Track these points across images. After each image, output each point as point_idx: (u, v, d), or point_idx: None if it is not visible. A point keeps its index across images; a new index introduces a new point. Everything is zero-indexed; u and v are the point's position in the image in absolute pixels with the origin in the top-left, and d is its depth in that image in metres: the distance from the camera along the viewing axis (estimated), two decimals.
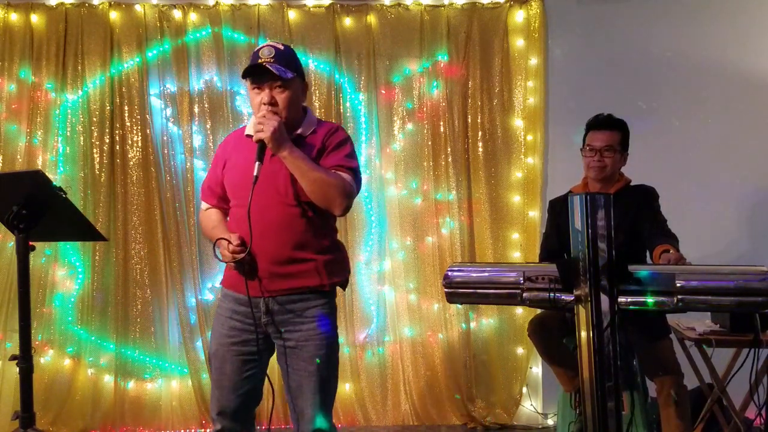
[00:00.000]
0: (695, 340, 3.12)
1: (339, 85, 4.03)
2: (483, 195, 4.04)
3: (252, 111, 2.29)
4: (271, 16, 4.01)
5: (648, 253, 2.87)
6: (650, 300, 1.60)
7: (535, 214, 4.01)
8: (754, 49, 4.00)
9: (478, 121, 4.03)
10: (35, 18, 3.95)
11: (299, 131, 2.27)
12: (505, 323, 4.03)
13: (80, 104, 3.95)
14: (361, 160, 4.04)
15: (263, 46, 2.24)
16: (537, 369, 4.04)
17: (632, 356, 2.90)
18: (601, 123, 3.01)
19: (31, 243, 2.31)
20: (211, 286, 3.96)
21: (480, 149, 4.04)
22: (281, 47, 2.25)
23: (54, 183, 2.36)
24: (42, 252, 3.86)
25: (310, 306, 2.23)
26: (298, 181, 2.17)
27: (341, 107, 4.03)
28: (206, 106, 3.99)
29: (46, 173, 2.54)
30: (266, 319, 2.22)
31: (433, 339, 4.03)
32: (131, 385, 3.94)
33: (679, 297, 1.55)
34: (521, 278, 1.70)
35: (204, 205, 2.42)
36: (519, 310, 3.98)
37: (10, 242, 3.79)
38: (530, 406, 4.04)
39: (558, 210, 3.12)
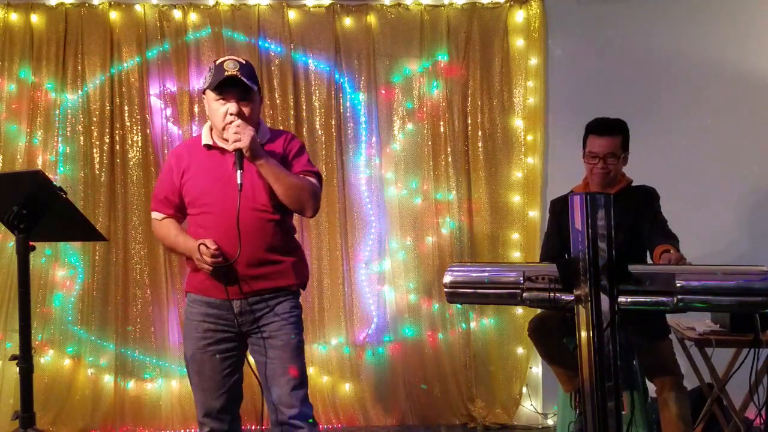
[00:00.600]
0: (695, 340, 3.12)
1: (339, 85, 4.03)
2: (483, 195, 4.04)
3: (213, 122, 2.39)
4: (271, 16, 4.01)
5: (648, 253, 2.87)
6: (650, 300, 1.60)
7: (535, 214, 4.01)
8: (754, 49, 4.00)
9: (478, 121, 4.03)
10: (35, 18, 3.95)
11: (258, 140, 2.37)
12: (505, 323, 4.03)
13: (80, 104, 3.95)
14: (361, 160, 4.05)
15: (226, 60, 2.36)
16: (537, 369, 4.05)
17: (632, 356, 2.90)
18: (602, 128, 2.94)
19: (31, 243, 2.32)
20: None
21: (480, 149, 4.04)
22: (243, 61, 2.39)
23: (54, 183, 2.36)
24: (42, 252, 3.86)
25: (281, 302, 2.39)
26: (272, 187, 2.31)
27: (341, 107, 4.03)
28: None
29: (46, 173, 2.55)
30: (240, 319, 2.35)
31: (433, 339, 4.03)
32: (131, 385, 3.94)
33: (679, 297, 1.55)
34: (521, 278, 1.70)
35: (158, 215, 2.48)
36: (519, 310, 3.98)
37: (10, 242, 3.79)
38: (530, 406, 4.04)
39: (559, 210, 3.11)
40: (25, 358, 2.31)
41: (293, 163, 2.42)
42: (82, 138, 3.95)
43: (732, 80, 3.98)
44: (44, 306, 3.87)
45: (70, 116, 3.95)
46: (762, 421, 2.36)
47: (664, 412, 2.84)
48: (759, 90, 3.98)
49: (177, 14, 3.98)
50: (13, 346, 3.68)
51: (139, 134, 3.96)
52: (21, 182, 2.40)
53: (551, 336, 2.98)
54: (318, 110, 4.01)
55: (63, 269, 3.94)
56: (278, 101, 4.00)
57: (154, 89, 3.99)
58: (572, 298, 1.64)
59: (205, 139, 2.43)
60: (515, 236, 4.04)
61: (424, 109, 4.06)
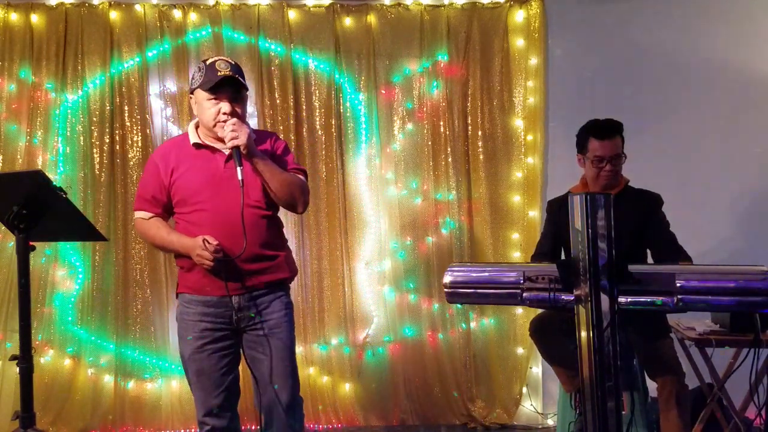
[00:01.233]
0: (695, 340, 3.12)
1: (339, 85, 4.03)
2: (483, 195, 4.04)
3: (203, 120, 2.42)
4: (271, 16, 4.01)
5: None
6: (650, 300, 1.60)
7: (535, 214, 4.01)
8: (754, 49, 4.00)
9: (478, 121, 4.03)
10: (35, 18, 3.94)
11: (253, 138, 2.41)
12: (505, 323, 4.03)
13: (80, 104, 3.95)
14: (361, 160, 4.05)
15: (217, 60, 2.40)
16: (537, 369, 4.05)
17: (632, 356, 2.90)
18: (605, 131, 2.90)
19: (31, 243, 2.32)
20: None
21: (480, 149, 4.04)
22: (232, 62, 2.44)
23: (54, 183, 2.36)
24: (42, 252, 3.86)
25: (276, 297, 2.46)
26: (267, 183, 2.36)
27: (341, 107, 4.03)
28: None
29: (46, 173, 2.54)
30: (239, 315, 2.39)
31: (433, 339, 4.03)
32: (131, 385, 3.93)
33: (679, 297, 1.55)
34: (521, 278, 1.70)
35: (145, 214, 2.52)
36: (519, 310, 3.98)
37: (10, 242, 3.79)
38: (530, 406, 4.04)
39: (556, 210, 3.11)
40: (25, 358, 2.30)
41: (281, 162, 2.49)
42: (82, 138, 3.94)
43: (732, 80, 3.98)
44: (44, 306, 3.87)
45: (70, 116, 3.95)
46: (762, 421, 2.35)
47: (665, 411, 2.84)
48: (759, 90, 3.98)
49: (177, 14, 3.98)
50: (13, 346, 3.68)
51: (139, 134, 3.96)
52: (21, 182, 2.40)
53: (552, 336, 2.98)
54: (318, 110, 4.01)
55: (63, 269, 3.94)
56: (278, 101, 3.99)
57: (154, 89, 3.99)
58: (572, 298, 1.64)
59: (194, 138, 2.46)
60: (515, 236, 4.04)
61: (424, 109, 4.06)
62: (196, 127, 2.49)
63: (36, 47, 3.94)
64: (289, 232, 3.79)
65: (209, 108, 2.37)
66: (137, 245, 3.94)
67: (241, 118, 2.39)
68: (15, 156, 3.93)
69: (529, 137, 4.04)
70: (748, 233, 3.98)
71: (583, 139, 2.98)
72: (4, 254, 3.87)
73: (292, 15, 4.03)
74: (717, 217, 3.96)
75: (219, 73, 2.34)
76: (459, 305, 3.96)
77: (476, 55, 4.03)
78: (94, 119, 3.95)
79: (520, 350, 4.02)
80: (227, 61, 2.41)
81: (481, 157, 4.04)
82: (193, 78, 2.46)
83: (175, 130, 3.98)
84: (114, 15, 3.97)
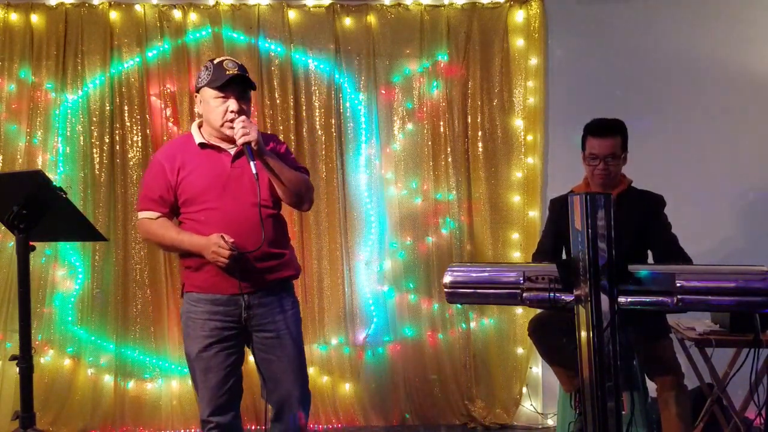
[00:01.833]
0: (695, 340, 3.12)
1: (339, 85, 4.03)
2: (483, 195, 4.04)
3: (210, 119, 2.42)
4: (271, 16, 4.01)
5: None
6: (650, 300, 1.60)
7: (535, 214, 4.01)
8: (754, 49, 4.00)
9: (478, 121, 4.03)
10: (35, 18, 3.94)
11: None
12: (505, 323, 4.03)
13: (80, 104, 3.95)
14: (361, 160, 4.05)
15: (224, 59, 2.43)
16: (537, 369, 4.05)
17: (632, 356, 2.90)
18: (601, 129, 2.92)
19: (31, 243, 2.32)
20: None
21: (480, 149, 4.04)
22: (238, 62, 2.47)
23: (54, 183, 2.36)
24: (42, 252, 3.85)
25: (284, 296, 2.50)
26: (276, 181, 2.39)
27: (341, 107, 4.03)
28: None
29: (46, 173, 2.54)
30: (246, 314, 2.40)
31: (433, 339, 4.03)
32: (131, 385, 3.93)
33: (679, 297, 1.55)
34: (521, 278, 1.70)
35: (152, 214, 2.47)
36: (519, 310, 3.98)
37: (10, 242, 3.79)
38: (530, 406, 4.04)
39: (558, 209, 3.11)
40: (25, 358, 2.31)
41: (286, 161, 2.50)
42: (82, 138, 3.94)
43: (732, 80, 3.98)
44: (44, 306, 3.87)
45: (70, 116, 3.95)
46: (762, 421, 2.35)
47: (665, 411, 2.84)
48: (759, 90, 3.97)
49: (177, 14, 3.98)
50: (13, 346, 3.68)
51: (139, 134, 3.96)
52: (21, 182, 2.41)
53: (551, 336, 2.98)
54: (318, 110, 4.01)
55: (63, 269, 3.94)
56: (278, 101, 3.99)
57: (154, 89, 3.98)
58: (572, 298, 1.64)
59: (199, 139, 2.46)
60: (515, 236, 4.04)
61: (424, 109, 4.06)
62: (200, 127, 2.50)
63: (36, 47, 3.94)
64: (289, 232, 3.78)
65: (217, 106, 2.38)
66: (137, 245, 3.94)
67: (250, 116, 2.43)
68: (15, 156, 3.93)
69: (529, 137, 4.04)
70: (748, 233, 3.98)
71: (583, 137, 3.00)
72: (4, 254, 3.87)
73: (292, 15, 4.03)
74: (717, 217, 3.96)
75: (227, 72, 2.36)
76: (459, 305, 3.96)
77: (476, 55, 4.03)
78: (94, 119, 3.95)
79: (520, 350, 4.02)
80: (234, 61, 2.44)
81: (481, 157, 4.04)
82: (199, 77, 2.45)
83: (175, 130, 3.98)
84: (114, 15, 3.97)
